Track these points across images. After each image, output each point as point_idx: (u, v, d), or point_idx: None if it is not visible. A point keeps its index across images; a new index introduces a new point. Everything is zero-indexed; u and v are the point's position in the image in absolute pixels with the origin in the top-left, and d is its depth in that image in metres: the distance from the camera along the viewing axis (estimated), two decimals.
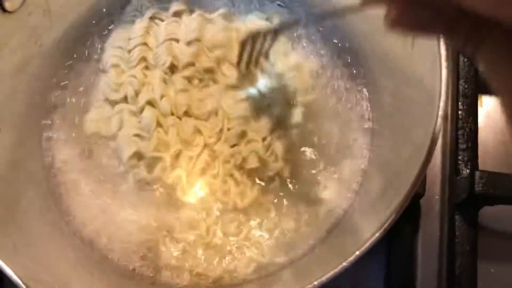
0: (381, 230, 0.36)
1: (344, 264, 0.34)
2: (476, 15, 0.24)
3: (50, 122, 0.54)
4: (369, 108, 0.55)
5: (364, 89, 0.55)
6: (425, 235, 0.57)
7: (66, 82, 0.55)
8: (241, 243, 0.50)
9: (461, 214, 0.56)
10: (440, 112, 0.37)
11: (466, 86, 0.61)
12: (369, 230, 0.38)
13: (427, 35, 0.31)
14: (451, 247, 0.55)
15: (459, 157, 0.58)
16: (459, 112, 0.60)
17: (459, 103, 0.60)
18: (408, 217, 0.56)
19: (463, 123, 0.59)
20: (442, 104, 0.37)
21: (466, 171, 0.57)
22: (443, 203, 0.58)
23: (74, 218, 0.51)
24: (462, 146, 0.58)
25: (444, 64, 0.38)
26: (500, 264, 0.56)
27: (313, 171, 0.53)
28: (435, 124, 0.37)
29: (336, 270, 0.35)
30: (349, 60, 0.57)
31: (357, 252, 0.34)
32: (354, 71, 0.56)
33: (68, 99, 0.55)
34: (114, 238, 0.50)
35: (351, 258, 0.34)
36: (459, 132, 0.59)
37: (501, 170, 0.55)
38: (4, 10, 0.45)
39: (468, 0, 0.24)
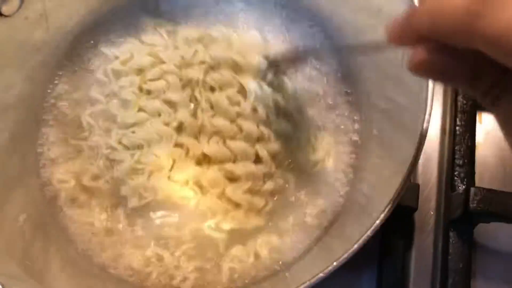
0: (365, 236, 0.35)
1: (323, 273, 0.33)
2: (503, 65, 0.23)
3: (45, 128, 0.55)
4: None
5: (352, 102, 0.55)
6: (418, 251, 0.56)
7: (63, 87, 0.56)
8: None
9: (455, 231, 0.55)
10: (425, 125, 0.37)
11: (464, 102, 0.60)
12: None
13: (449, 83, 0.29)
14: (445, 264, 0.54)
15: (456, 173, 0.57)
16: (457, 127, 0.59)
17: (457, 119, 0.59)
18: (401, 232, 0.56)
19: (461, 139, 0.58)
20: (427, 116, 0.37)
21: (462, 187, 0.56)
22: (437, 219, 0.57)
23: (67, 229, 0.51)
24: (458, 162, 0.58)
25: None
26: (495, 282, 0.55)
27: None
28: (420, 134, 0.37)
29: (321, 274, 0.34)
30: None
31: (335, 264, 0.33)
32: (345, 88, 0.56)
33: (64, 105, 0.56)
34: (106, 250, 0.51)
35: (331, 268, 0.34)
36: (456, 148, 0.58)
37: (499, 188, 0.54)
38: (1, 14, 0.46)
39: (494, 51, 0.23)
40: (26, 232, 0.46)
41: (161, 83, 0.53)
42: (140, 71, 0.54)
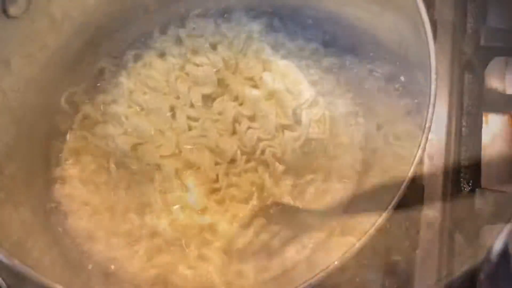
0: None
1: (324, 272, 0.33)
2: None
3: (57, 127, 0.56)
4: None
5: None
6: (423, 252, 0.55)
7: (71, 88, 0.56)
8: None
9: (462, 233, 0.55)
10: (428, 124, 0.37)
11: (470, 103, 0.60)
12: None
13: None
14: (451, 266, 0.54)
15: (461, 175, 0.57)
16: (463, 129, 0.59)
17: (463, 120, 0.59)
18: (406, 233, 0.55)
19: (466, 140, 0.58)
20: (429, 115, 0.37)
21: (467, 189, 0.56)
22: (443, 221, 0.57)
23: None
24: (464, 163, 0.57)
25: (433, 76, 0.38)
26: None
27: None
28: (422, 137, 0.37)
29: (322, 274, 0.34)
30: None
31: (336, 263, 0.33)
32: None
33: (71, 107, 0.56)
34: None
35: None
36: (462, 149, 0.58)
37: (505, 189, 0.54)
38: (8, 16, 0.46)
39: None
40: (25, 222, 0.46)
41: (201, 72, 0.54)
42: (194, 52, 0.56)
